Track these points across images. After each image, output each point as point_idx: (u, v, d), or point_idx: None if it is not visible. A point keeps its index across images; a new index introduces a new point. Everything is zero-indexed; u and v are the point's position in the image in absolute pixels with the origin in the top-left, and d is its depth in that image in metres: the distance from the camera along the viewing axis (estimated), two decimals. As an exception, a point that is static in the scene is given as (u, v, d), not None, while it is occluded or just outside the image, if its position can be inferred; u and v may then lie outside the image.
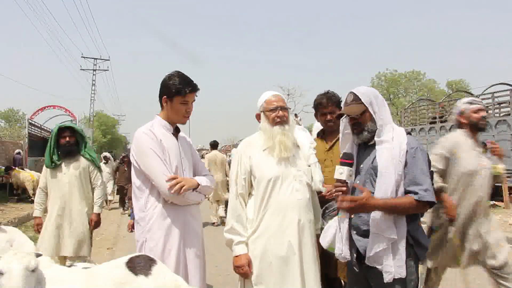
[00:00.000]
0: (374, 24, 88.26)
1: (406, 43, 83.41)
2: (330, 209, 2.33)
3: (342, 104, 2.16)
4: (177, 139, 2.46)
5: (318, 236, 2.37)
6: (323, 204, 2.45)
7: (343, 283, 2.83)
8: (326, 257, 2.51)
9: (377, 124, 2.05)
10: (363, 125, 2.07)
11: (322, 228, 2.31)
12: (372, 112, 2.06)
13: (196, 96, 2.45)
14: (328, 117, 2.90)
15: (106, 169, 11.52)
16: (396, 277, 1.91)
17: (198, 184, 2.38)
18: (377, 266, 1.95)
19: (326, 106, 2.90)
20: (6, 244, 2.22)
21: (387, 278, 1.92)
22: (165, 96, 2.38)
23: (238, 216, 2.35)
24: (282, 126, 2.39)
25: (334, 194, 2.04)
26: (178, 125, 2.52)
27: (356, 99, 2.08)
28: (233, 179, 2.43)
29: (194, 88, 2.37)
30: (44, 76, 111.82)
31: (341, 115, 2.16)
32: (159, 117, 2.44)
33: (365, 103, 2.05)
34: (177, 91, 2.32)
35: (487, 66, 71.20)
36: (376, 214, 1.94)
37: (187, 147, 2.55)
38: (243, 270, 2.26)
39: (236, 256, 2.30)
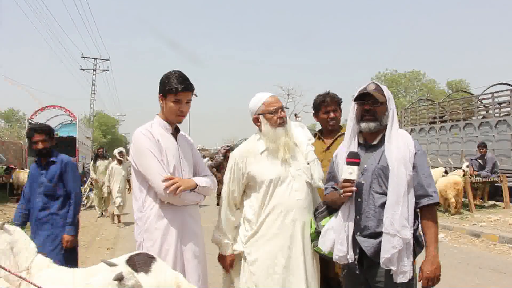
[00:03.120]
0: (374, 24, 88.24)
1: (406, 43, 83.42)
2: (319, 210, 2.30)
3: (360, 89, 2.13)
4: (176, 139, 2.45)
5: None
6: None
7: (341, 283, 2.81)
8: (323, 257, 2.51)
9: (388, 121, 2.07)
10: (377, 115, 2.07)
11: (317, 231, 2.27)
12: (389, 107, 2.08)
13: (196, 95, 2.43)
14: (331, 114, 2.90)
15: (122, 171, 9.24)
16: (408, 277, 1.92)
17: (196, 185, 2.37)
18: (392, 267, 1.92)
19: (330, 104, 2.91)
20: (7, 246, 2.22)
21: (403, 278, 1.91)
22: (160, 94, 2.38)
23: (226, 222, 2.43)
24: (284, 127, 2.38)
25: (343, 195, 2.01)
26: (179, 124, 2.51)
27: (379, 89, 2.10)
28: (227, 185, 2.43)
29: (187, 87, 2.33)
30: (44, 76, 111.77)
31: (363, 97, 2.08)
32: (158, 116, 2.44)
33: (386, 96, 2.09)
34: (169, 89, 2.31)
35: (487, 66, 71.14)
36: (390, 215, 1.93)
37: (188, 147, 2.53)
38: (225, 266, 2.47)
39: (222, 255, 2.47)
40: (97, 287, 1.74)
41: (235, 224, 2.48)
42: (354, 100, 2.13)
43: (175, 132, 2.47)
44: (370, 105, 2.07)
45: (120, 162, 9.39)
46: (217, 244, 2.48)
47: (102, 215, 10.33)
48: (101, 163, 10.38)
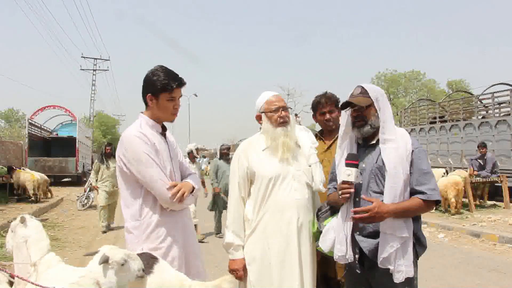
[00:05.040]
0: (374, 24, 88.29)
1: (406, 43, 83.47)
2: (323, 211, 2.30)
3: (348, 96, 2.13)
4: (165, 138, 2.34)
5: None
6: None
7: (341, 283, 2.82)
8: (325, 257, 2.51)
9: (380, 121, 2.05)
10: (366, 119, 2.07)
11: (320, 231, 2.27)
12: (377, 108, 2.06)
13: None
14: (327, 116, 2.90)
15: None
16: (406, 276, 1.92)
17: (193, 187, 2.31)
18: (389, 267, 1.93)
19: (325, 105, 2.90)
20: (21, 240, 2.26)
21: (400, 278, 1.91)
22: (149, 94, 2.20)
23: (239, 219, 2.36)
24: (285, 127, 2.38)
25: (341, 196, 2.01)
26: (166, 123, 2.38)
27: (364, 92, 2.09)
28: (234, 181, 2.41)
29: (180, 82, 2.21)
30: (44, 76, 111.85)
31: (346, 106, 2.12)
32: (145, 116, 2.26)
33: (371, 98, 2.06)
34: (162, 87, 2.15)
35: (487, 66, 71.26)
36: None
37: (173, 146, 2.43)
38: (239, 274, 2.31)
39: (233, 260, 2.33)
40: (89, 277, 1.74)
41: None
42: (341, 109, 2.15)
43: (163, 131, 2.35)
44: (356, 111, 2.08)
45: (194, 160, 7.71)
46: (228, 247, 2.35)
47: (107, 230, 8.36)
48: (111, 164, 8.39)
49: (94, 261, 1.74)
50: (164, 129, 2.36)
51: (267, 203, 2.31)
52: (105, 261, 1.67)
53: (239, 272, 2.31)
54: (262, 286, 2.26)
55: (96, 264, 1.71)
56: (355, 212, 1.92)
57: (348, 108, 2.13)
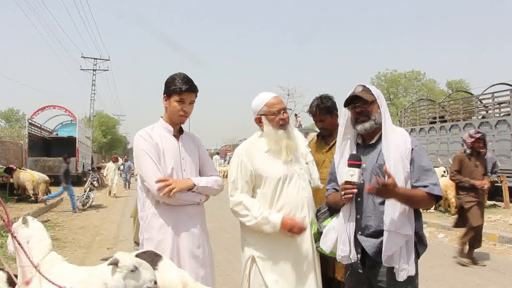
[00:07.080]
0: (375, 24, 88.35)
1: (406, 43, 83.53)
2: (322, 211, 2.31)
3: (350, 94, 2.13)
4: (178, 139, 2.45)
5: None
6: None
7: (341, 283, 2.82)
8: (325, 257, 2.51)
9: (381, 117, 2.06)
10: (370, 115, 2.07)
11: (320, 232, 2.27)
12: (379, 105, 2.08)
13: (201, 98, 2.45)
14: (320, 125, 2.95)
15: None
16: (408, 275, 1.92)
17: (194, 185, 2.34)
18: (393, 265, 1.93)
19: (315, 114, 2.93)
20: (24, 240, 2.27)
21: (403, 276, 1.92)
22: (165, 95, 2.41)
23: (251, 203, 2.31)
24: (286, 129, 2.38)
25: (344, 197, 2.00)
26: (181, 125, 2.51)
27: (366, 89, 2.11)
28: (234, 183, 2.38)
29: (191, 87, 2.36)
30: (44, 76, 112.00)
31: (352, 100, 2.10)
32: (161, 119, 2.47)
33: (374, 95, 2.09)
34: (173, 89, 2.35)
35: (487, 66, 71.32)
36: (391, 212, 1.93)
37: (193, 147, 2.52)
38: (296, 228, 2.26)
39: (282, 224, 2.25)
40: (98, 277, 1.76)
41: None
42: (344, 106, 2.14)
43: (178, 133, 2.47)
44: (361, 106, 2.08)
45: None
46: (262, 225, 2.26)
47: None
48: None
49: (105, 264, 1.76)
50: (180, 131, 2.50)
51: (279, 202, 2.32)
52: (114, 263, 1.71)
53: (295, 228, 2.25)
54: (273, 283, 2.25)
55: (106, 266, 1.74)
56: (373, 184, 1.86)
57: (348, 107, 2.13)
